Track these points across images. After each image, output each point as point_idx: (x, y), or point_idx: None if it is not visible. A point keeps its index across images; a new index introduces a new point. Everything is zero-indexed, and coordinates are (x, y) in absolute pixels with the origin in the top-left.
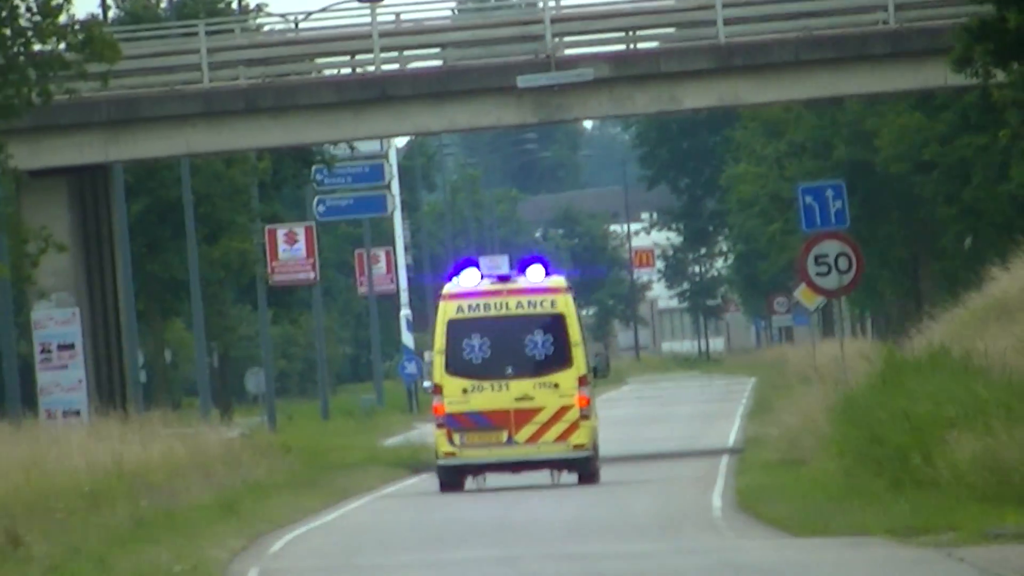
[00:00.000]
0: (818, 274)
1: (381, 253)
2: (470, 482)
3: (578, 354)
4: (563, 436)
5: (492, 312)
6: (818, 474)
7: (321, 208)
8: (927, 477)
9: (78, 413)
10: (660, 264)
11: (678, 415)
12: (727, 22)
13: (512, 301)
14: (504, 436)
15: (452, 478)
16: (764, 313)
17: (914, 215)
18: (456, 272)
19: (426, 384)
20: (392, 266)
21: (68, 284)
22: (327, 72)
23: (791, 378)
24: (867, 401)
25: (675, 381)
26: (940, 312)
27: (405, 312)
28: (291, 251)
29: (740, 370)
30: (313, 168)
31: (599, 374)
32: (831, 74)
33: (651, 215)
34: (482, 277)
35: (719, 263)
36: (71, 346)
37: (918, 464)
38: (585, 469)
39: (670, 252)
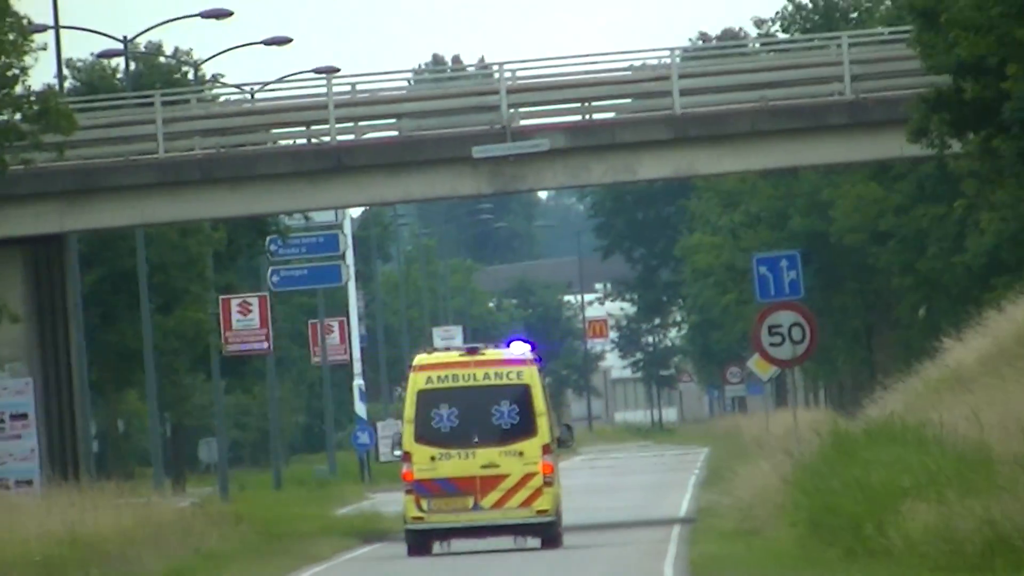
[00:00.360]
0: (772, 344)
1: (335, 323)
2: (437, 547)
3: (543, 423)
4: (527, 502)
5: (460, 383)
6: (772, 544)
7: (275, 278)
8: (880, 547)
9: (30, 483)
10: (614, 334)
11: (631, 484)
12: (683, 92)
13: (480, 372)
14: (471, 502)
15: (420, 542)
16: (718, 383)
17: (869, 285)
18: (424, 349)
19: (396, 452)
20: (346, 336)
21: (22, 354)
22: (283, 143)
23: (745, 448)
24: (820, 471)
25: (628, 451)
26: (894, 382)
27: (358, 382)
28: (245, 321)
29: (693, 440)
30: (268, 238)
31: (563, 444)
32: (788, 144)
33: (605, 285)
34: (445, 349)
35: (673, 333)
36: (24, 416)
37: (871, 534)
38: (548, 534)
39: (624, 322)
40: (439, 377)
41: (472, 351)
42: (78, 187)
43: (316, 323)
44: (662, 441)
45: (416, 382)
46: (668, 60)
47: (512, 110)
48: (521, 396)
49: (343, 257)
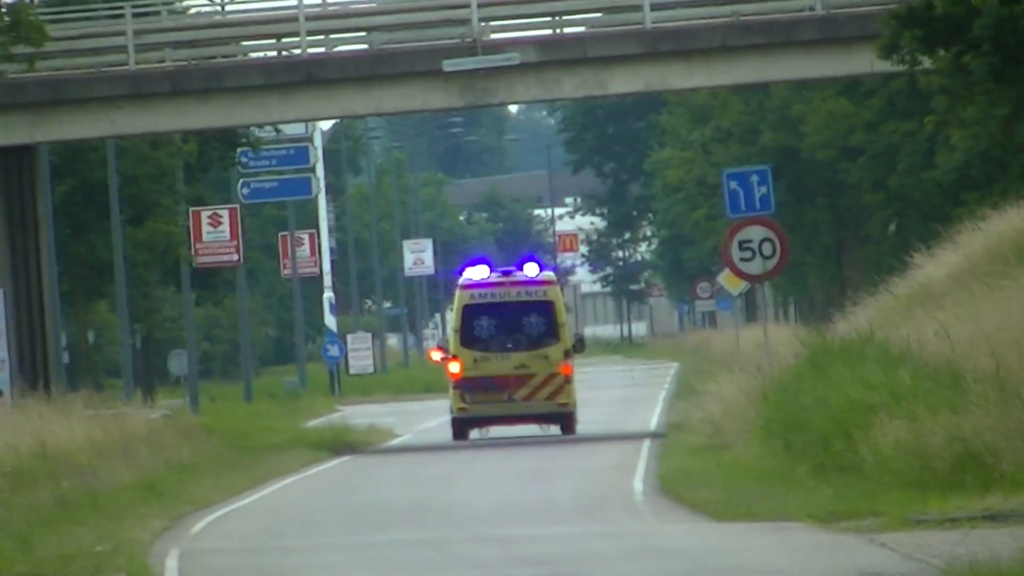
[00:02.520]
0: (742, 259)
1: (305, 236)
2: (475, 433)
3: (563, 333)
4: (551, 396)
5: (497, 299)
6: (741, 459)
7: (246, 191)
8: (850, 463)
9: (0, 394)
10: (584, 249)
11: (601, 399)
12: (654, 7)
13: (513, 291)
14: (506, 396)
15: (462, 428)
16: (688, 298)
17: (840, 201)
18: (469, 266)
19: (438, 356)
20: (316, 249)
21: None
22: (253, 55)
23: (715, 363)
24: (790, 387)
25: (598, 366)
26: (864, 298)
27: (328, 295)
28: (215, 233)
29: (663, 355)
30: (238, 151)
31: (578, 350)
32: (759, 60)
33: (576, 200)
34: (491, 271)
35: (643, 248)
36: None
37: (841, 450)
38: (567, 422)
39: (594, 237)
40: (480, 294)
41: (507, 273)
42: (48, 98)
43: (286, 235)
44: (632, 356)
45: (462, 298)
46: None
47: (483, 23)
48: (546, 310)
49: (313, 170)
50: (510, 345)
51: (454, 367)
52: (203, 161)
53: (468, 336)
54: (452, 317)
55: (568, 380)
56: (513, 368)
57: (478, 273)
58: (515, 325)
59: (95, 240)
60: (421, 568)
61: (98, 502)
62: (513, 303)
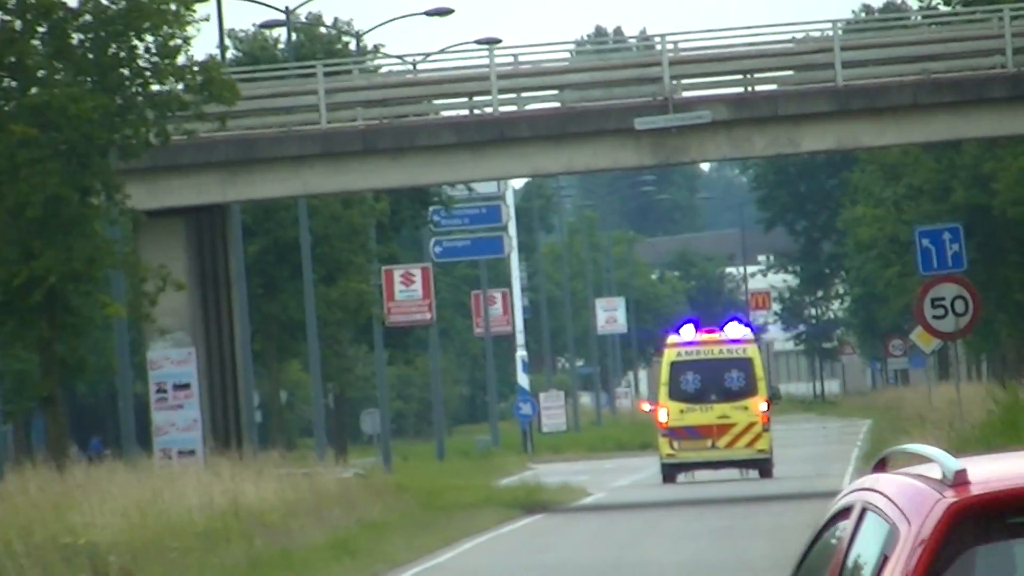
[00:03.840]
0: (935, 317)
1: (498, 294)
2: (682, 477)
3: (761, 386)
4: (751, 443)
5: (702, 356)
6: None
7: (438, 249)
8: None
9: (193, 453)
10: (777, 306)
11: (794, 457)
12: (845, 65)
13: (716, 348)
14: (709, 443)
15: (671, 472)
16: (880, 355)
17: None
18: (678, 328)
19: (647, 407)
20: (508, 307)
21: (184, 324)
22: (445, 113)
23: (907, 421)
24: (982, 443)
25: (791, 423)
26: None
27: (521, 353)
28: (408, 292)
29: (855, 412)
30: (430, 209)
31: (774, 401)
32: (949, 117)
33: (768, 257)
34: (697, 330)
35: (835, 305)
36: (187, 386)
37: None
38: (765, 467)
39: (787, 294)
40: (687, 352)
41: (711, 331)
42: (240, 157)
43: (479, 294)
44: (825, 413)
45: (669, 355)
46: (830, 32)
47: (674, 81)
48: (745, 366)
49: (505, 228)
50: (713, 397)
51: (663, 416)
52: (395, 220)
53: (675, 389)
54: (661, 372)
55: (766, 428)
56: (716, 418)
57: (686, 333)
58: (717, 379)
59: (287, 299)
60: None
61: (291, 561)
62: (716, 360)
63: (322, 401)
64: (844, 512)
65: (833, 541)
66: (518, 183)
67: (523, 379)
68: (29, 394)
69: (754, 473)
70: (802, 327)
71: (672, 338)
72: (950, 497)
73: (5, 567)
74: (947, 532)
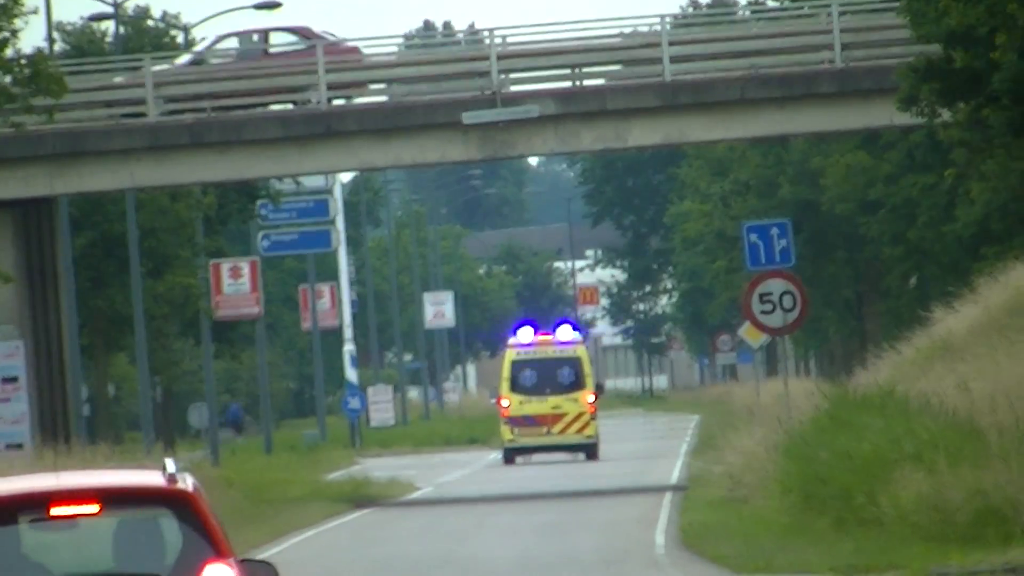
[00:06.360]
0: (763, 312)
1: (326, 288)
2: (520, 460)
3: (589, 382)
4: (580, 430)
5: (538, 355)
6: (762, 512)
7: (266, 243)
8: (871, 516)
9: (20, 446)
10: (605, 301)
11: (622, 452)
12: (673, 60)
13: (550, 349)
14: (545, 430)
15: (511, 455)
16: (708, 351)
17: (860, 254)
18: (515, 330)
19: (493, 400)
20: (336, 301)
21: (12, 317)
22: (273, 107)
23: (735, 416)
24: (811, 440)
25: (619, 418)
26: (885, 351)
27: (349, 347)
28: (236, 286)
29: (684, 408)
30: (258, 203)
31: (599, 394)
32: (778, 113)
33: (596, 252)
34: (535, 333)
35: (663, 301)
36: (14, 379)
37: (862, 503)
38: (592, 451)
39: (615, 289)
40: (524, 352)
41: (545, 334)
42: (68, 150)
43: (306, 288)
44: (653, 408)
45: (510, 355)
46: (658, 27)
47: (502, 76)
48: (575, 364)
49: (333, 222)
50: (548, 390)
51: (504, 406)
52: (222, 213)
53: (515, 384)
54: (503, 368)
55: (593, 417)
56: (550, 408)
57: (524, 335)
58: (551, 375)
59: (114, 293)
60: None
61: None
62: (550, 359)
63: (149, 395)
64: None
65: None
66: (346, 177)
67: (351, 373)
68: None
69: (582, 456)
70: (630, 322)
71: (512, 340)
72: None
73: None
74: None
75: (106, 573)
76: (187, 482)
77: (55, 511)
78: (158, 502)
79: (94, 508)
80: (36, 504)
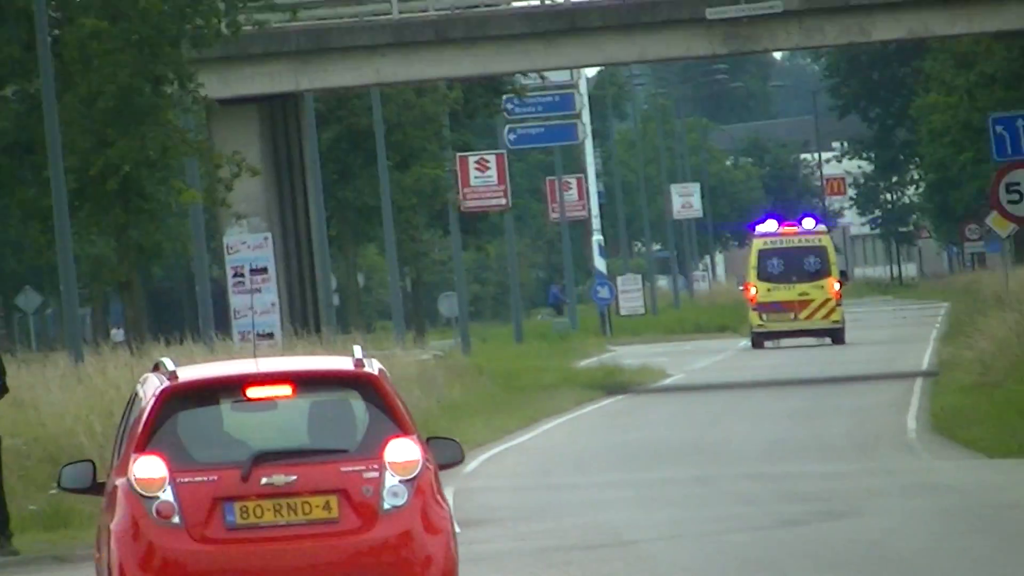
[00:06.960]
0: (1010, 202)
1: (573, 180)
2: (769, 344)
3: (834, 269)
4: (827, 316)
5: (785, 244)
6: (1014, 397)
7: (512, 136)
8: None
9: (271, 335)
10: (852, 192)
11: (874, 339)
12: None
13: (796, 239)
14: (792, 316)
15: (760, 340)
16: (956, 240)
17: None
18: (762, 221)
19: (741, 287)
20: (584, 192)
21: (260, 209)
22: (517, 3)
23: (984, 303)
24: None
25: (869, 306)
26: None
27: (597, 238)
28: (483, 178)
29: (933, 295)
30: (503, 98)
31: (844, 280)
32: (1020, 6)
33: (842, 144)
34: (779, 224)
35: (911, 191)
36: (264, 270)
37: None
38: (838, 335)
39: (861, 180)
40: (771, 241)
41: (791, 225)
42: (312, 47)
43: (554, 180)
44: (902, 296)
45: (756, 244)
46: None
47: None
48: (821, 252)
49: (579, 116)
50: (794, 278)
51: (752, 293)
52: (468, 108)
53: (762, 272)
54: (751, 258)
55: (838, 303)
56: (797, 295)
57: (768, 226)
58: (797, 263)
59: (362, 185)
60: (692, 505)
61: None
62: (796, 248)
63: (399, 284)
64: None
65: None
66: (590, 72)
67: (600, 263)
68: (106, 279)
69: (829, 340)
70: (878, 212)
71: (758, 228)
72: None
73: (87, 449)
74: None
75: (299, 448)
76: (373, 366)
77: (251, 392)
78: (346, 384)
79: (287, 390)
80: (234, 387)
